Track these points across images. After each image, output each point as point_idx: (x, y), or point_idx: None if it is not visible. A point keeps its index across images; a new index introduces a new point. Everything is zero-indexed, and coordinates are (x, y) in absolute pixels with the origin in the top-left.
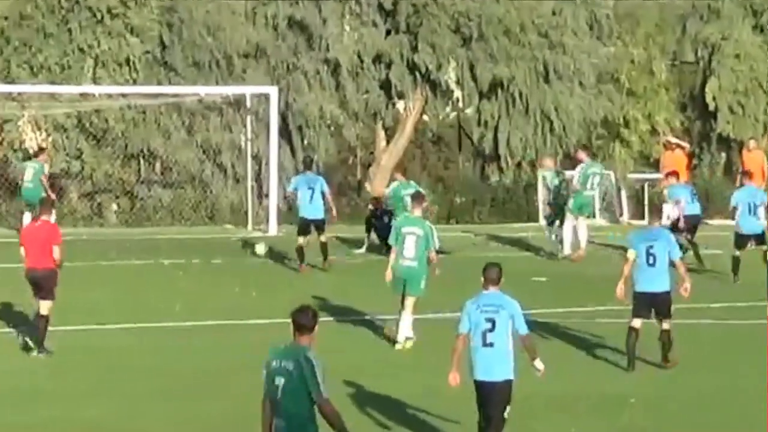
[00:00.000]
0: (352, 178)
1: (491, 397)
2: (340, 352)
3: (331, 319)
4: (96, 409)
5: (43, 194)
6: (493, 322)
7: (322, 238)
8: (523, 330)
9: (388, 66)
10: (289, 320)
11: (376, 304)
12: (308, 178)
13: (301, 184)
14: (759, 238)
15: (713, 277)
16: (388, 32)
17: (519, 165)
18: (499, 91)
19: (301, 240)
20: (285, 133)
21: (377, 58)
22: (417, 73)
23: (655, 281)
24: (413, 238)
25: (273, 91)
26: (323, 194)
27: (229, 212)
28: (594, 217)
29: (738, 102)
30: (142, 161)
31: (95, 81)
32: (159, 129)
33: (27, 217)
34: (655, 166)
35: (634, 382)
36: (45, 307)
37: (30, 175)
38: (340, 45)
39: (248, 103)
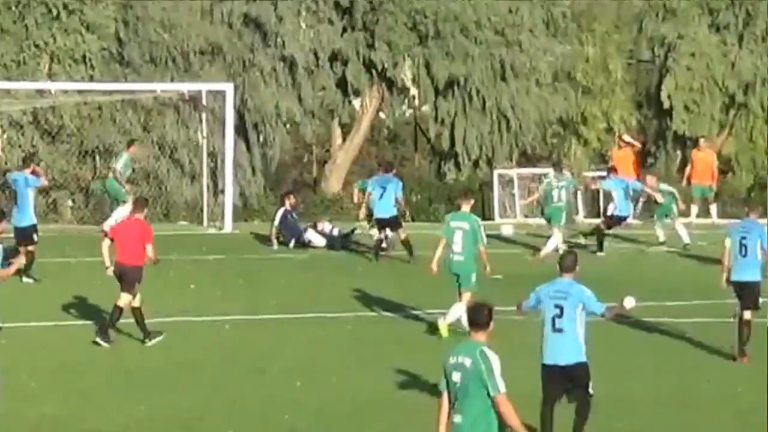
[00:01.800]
0: (307, 175)
1: (561, 380)
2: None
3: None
4: (49, 405)
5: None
6: (562, 309)
7: (402, 236)
8: (598, 310)
9: (345, 63)
10: (248, 317)
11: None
12: (382, 179)
13: (375, 184)
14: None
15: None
16: (344, 30)
17: (475, 163)
18: (456, 88)
19: (378, 234)
20: (241, 130)
21: (333, 56)
22: (373, 71)
23: (746, 271)
24: (461, 232)
25: (229, 87)
26: (395, 195)
27: (184, 209)
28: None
29: (693, 100)
30: (97, 158)
31: (51, 77)
32: (115, 125)
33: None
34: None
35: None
36: (125, 299)
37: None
38: (296, 42)
39: (204, 100)
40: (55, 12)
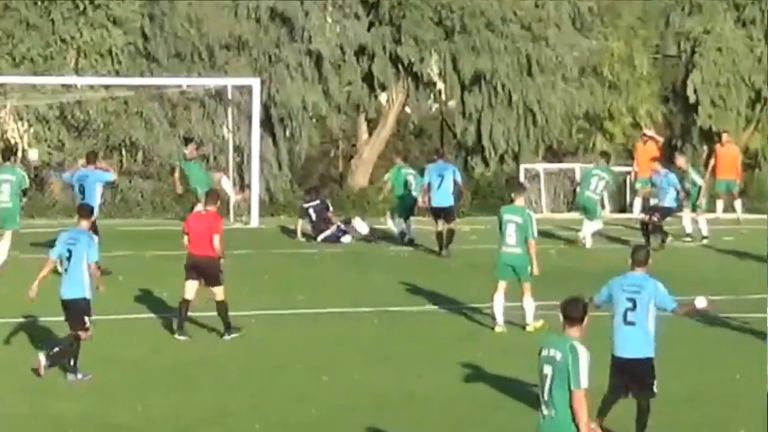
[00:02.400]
0: (334, 170)
1: (630, 373)
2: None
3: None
4: (70, 401)
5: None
6: (634, 302)
7: (450, 226)
8: (670, 306)
9: (371, 58)
10: (274, 312)
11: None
12: (438, 166)
13: (432, 173)
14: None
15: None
16: (370, 24)
17: (502, 158)
18: (482, 83)
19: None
20: (267, 124)
21: (360, 50)
22: (399, 66)
23: None
24: (513, 225)
25: (255, 82)
26: (455, 182)
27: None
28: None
29: (719, 95)
30: (124, 152)
31: (77, 72)
32: (141, 120)
33: None
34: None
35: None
36: (218, 293)
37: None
38: (322, 37)
39: (230, 95)
40: (81, 6)
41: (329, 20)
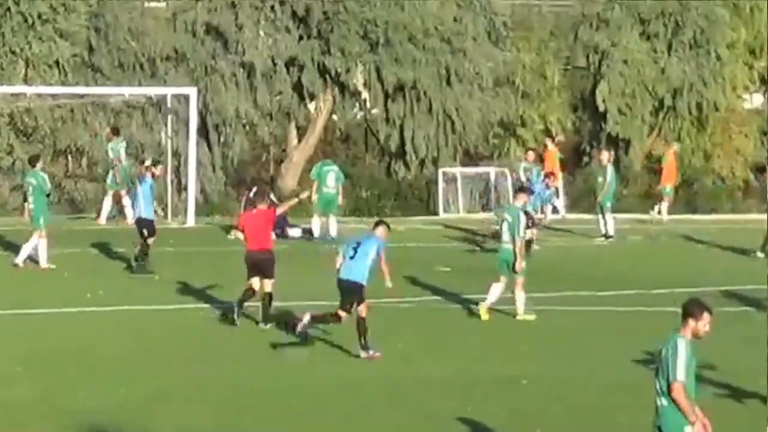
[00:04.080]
0: (265, 173)
1: None
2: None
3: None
4: (25, 388)
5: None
6: None
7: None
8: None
9: (300, 69)
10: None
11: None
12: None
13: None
14: None
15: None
16: (300, 37)
17: (422, 162)
18: (404, 92)
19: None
20: (203, 131)
21: (290, 62)
22: (327, 76)
23: None
24: (506, 224)
25: (192, 91)
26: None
27: None
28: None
29: (626, 104)
30: (69, 157)
31: (27, 82)
32: (86, 127)
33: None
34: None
35: (528, 364)
36: (268, 285)
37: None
38: (255, 49)
39: (169, 103)
40: (30, 21)
41: (261, 33)
